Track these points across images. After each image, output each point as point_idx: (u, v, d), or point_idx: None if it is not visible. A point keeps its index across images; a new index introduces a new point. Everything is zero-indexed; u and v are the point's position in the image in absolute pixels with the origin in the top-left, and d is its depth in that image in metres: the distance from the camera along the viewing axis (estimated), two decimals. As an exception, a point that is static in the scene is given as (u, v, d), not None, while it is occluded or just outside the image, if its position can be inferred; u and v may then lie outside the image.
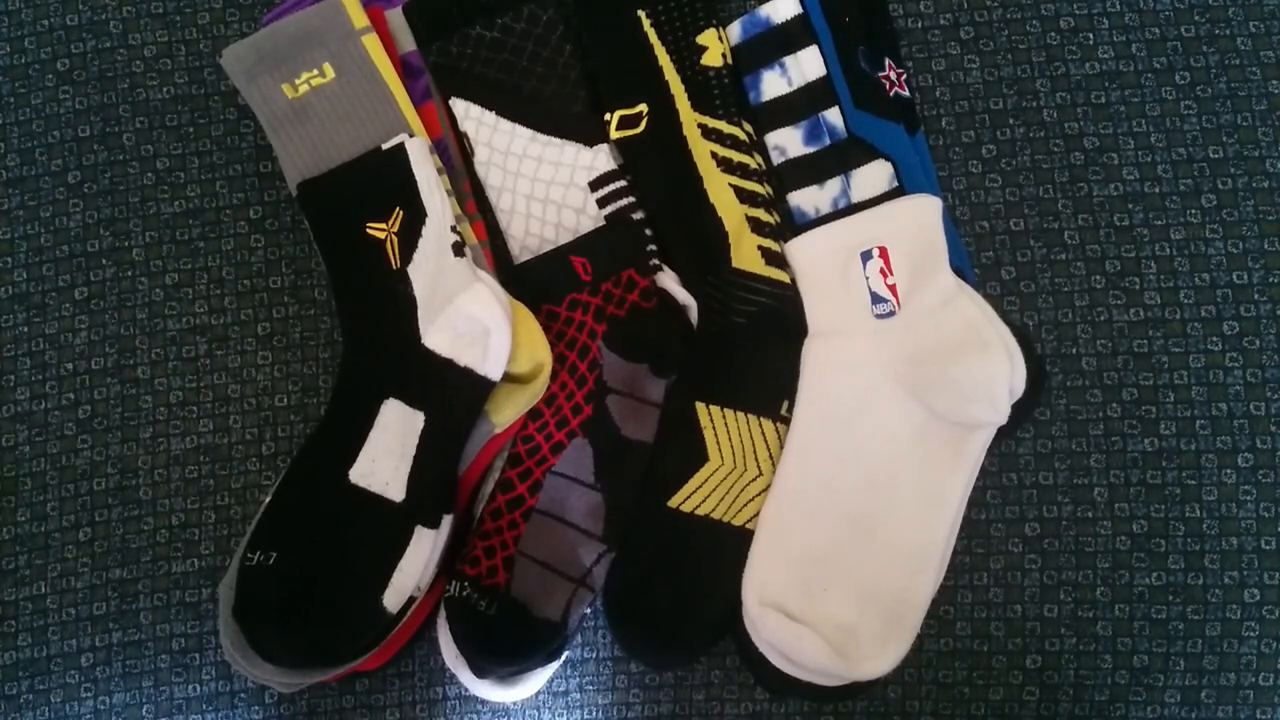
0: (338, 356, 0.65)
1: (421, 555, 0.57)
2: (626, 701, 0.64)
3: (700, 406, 0.61)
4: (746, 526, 0.60)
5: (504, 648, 0.58)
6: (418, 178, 0.59)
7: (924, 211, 0.59)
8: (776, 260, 0.62)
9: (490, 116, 0.63)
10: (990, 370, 0.57)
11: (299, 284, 0.67)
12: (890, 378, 0.60)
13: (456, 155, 0.65)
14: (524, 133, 0.63)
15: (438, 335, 0.59)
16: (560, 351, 0.61)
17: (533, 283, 0.62)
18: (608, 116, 0.63)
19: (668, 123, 0.63)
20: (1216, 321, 0.64)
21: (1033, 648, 0.63)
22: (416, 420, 0.58)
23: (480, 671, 0.58)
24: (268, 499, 0.59)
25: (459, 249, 0.59)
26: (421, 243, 0.59)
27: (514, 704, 0.64)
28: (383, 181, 0.59)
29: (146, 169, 0.68)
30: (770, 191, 0.64)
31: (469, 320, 0.58)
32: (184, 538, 0.65)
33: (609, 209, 0.63)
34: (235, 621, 0.56)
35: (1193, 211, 0.64)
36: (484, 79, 0.63)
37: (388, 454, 0.58)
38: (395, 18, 0.64)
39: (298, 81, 0.61)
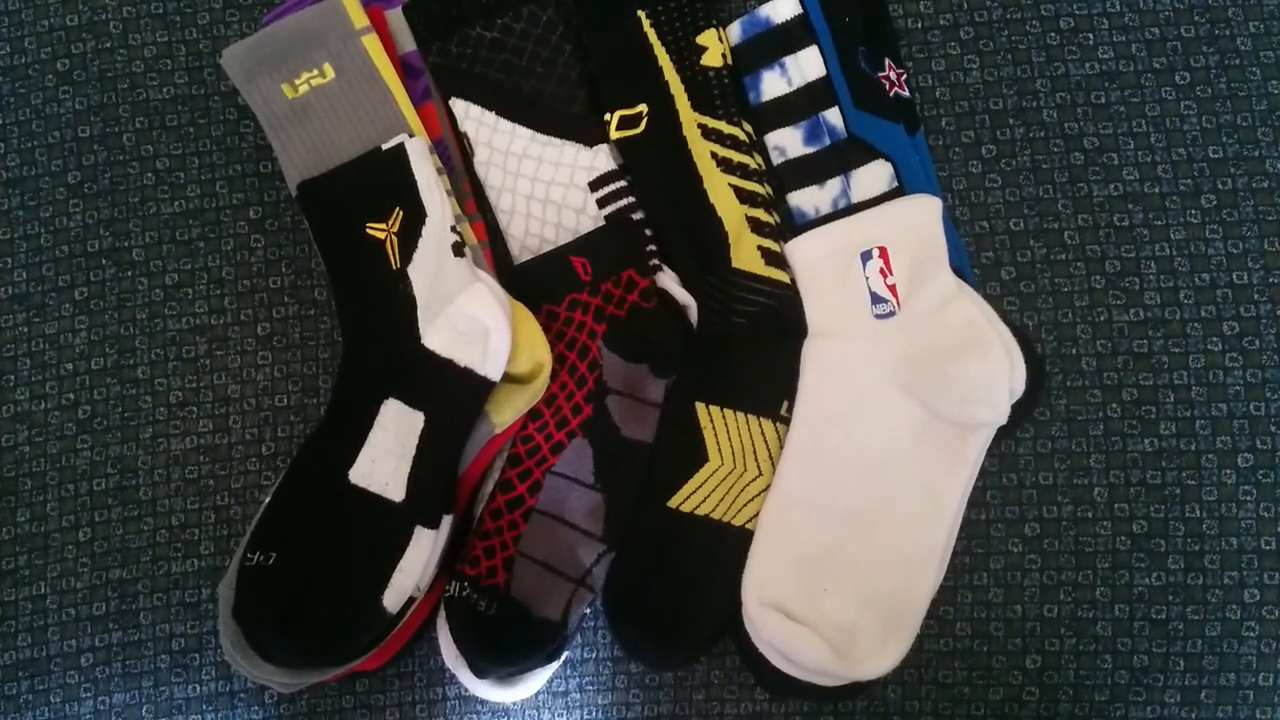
0: (338, 356, 0.65)
1: (421, 555, 0.57)
2: (626, 702, 0.64)
3: (700, 407, 0.61)
4: (746, 527, 0.60)
5: (504, 648, 0.58)
6: (417, 178, 0.59)
7: (924, 212, 0.59)
8: (776, 260, 0.62)
9: (490, 116, 0.63)
10: (990, 370, 0.57)
11: (299, 284, 0.67)
12: (890, 378, 0.60)
13: (456, 155, 0.65)
14: (524, 133, 0.63)
15: (437, 335, 0.59)
16: (560, 352, 0.61)
17: (533, 283, 0.62)
18: (608, 117, 0.63)
19: (668, 123, 0.63)
20: (1216, 321, 0.64)
21: (1033, 648, 0.63)
22: (416, 420, 0.58)
23: (480, 672, 0.58)
24: (267, 499, 0.59)
25: (459, 249, 0.59)
26: (421, 243, 0.59)
27: (514, 704, 0.64)
28: (383, 182, 0.59)
29: (146, 169, 0.68)
30: (770, 192, 0.64)
31: (469, 320, 0.58)
32: (184, 538, 0.65)
33: (609, 209, 0.63)
34: (235, 622, 0.56)
35: (1193, 211, 0.64)
36: (484, 79, 0.63)
37: (388, 454, 0.58)
38: (395, 18, 0.64)
39: (298, 82, 0.61)
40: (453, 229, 0.59)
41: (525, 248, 0.64)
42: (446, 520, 0.58)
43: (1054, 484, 0.63)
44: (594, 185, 0.63)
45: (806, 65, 0.63)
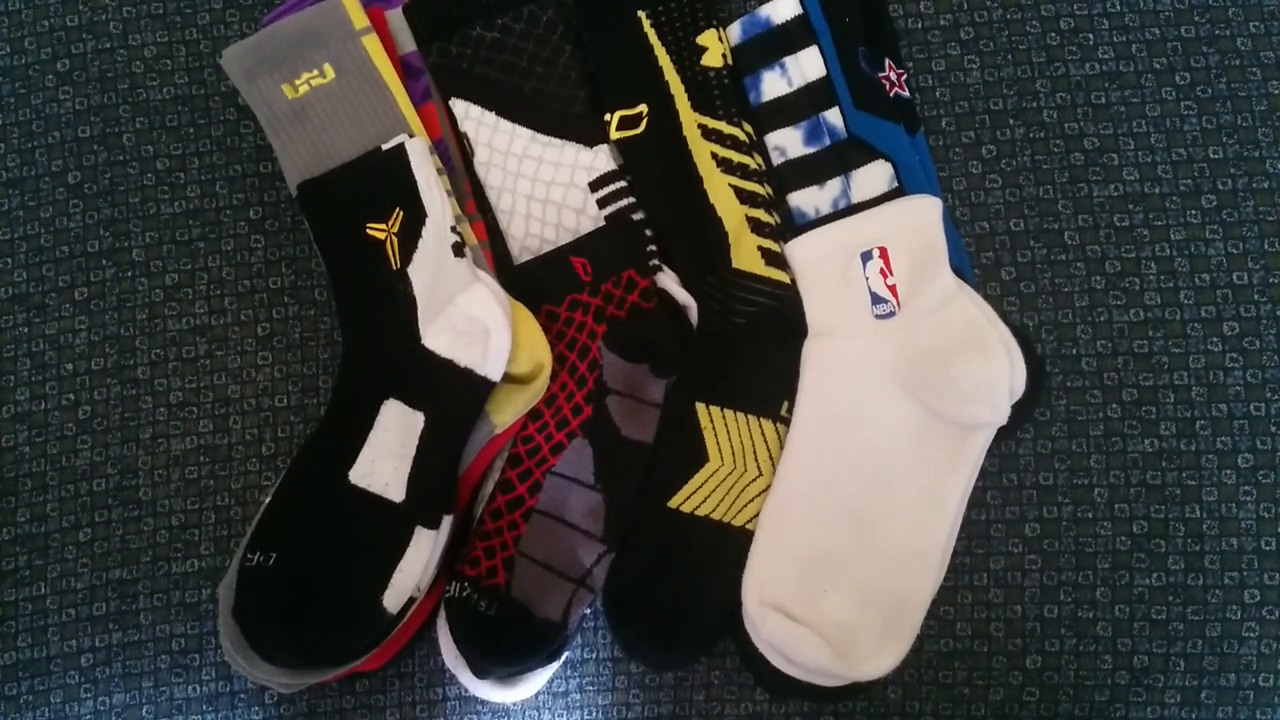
0: (338, 357, 0.65)
1: (421, 556, 0.57)
2: (626, 702, 0.64)
3: (700, 407, 0.61)
4: (746, 527, 0.60)
5: (504, 648, 0.58)
6: (418, 178, 0.59)
7: (924, 212, 0.59)
8: (776, 261, 0.62)
9: (490, 117, 0.63)
10: (990, 371, 0.57)
11: (299, 284, 0.67)
12: (890, 378, 0.60)
13: (456, 155, 0.65)
14: (524, 133, 0.63)
15: (437, 336, 0.59)
16: (560, 352, 0.61)
17: (533, 283, 0.62)
18: (608, 117, 0.63)
19: (668, 123, 0.63)
20: (1216, 322, 0.63)
21: (1033, 648, 0.62)
22: (416, 420, 0.58)
23: (480, 672, 0.58)
24: (268, 499, 0.59)
25: (459, 249, 0.59)
26: (421, 243, 0.59)
27: (514, 705, 0.64)
28: (383, 182, 0.59)
29: (146, 170, 0.68)
30: (770, 192, 0.64)
31: (469, 320, 0.58)
32: (184, 538, 0.65)
33: (609, 209, 0.63)
34: (235, 622, 0.56)
35: (1193, 212, 0.64)
36: (484, 79, 0.63)
37: (388, 454, 0.58)
38: (395, 18, 0.64)
39: (298, 82, 0.61)
40: (453, 229, 0.59)
41: (525, 248, 0.64)
42: (446, 520, 0.58)
43: (1054, 484, 0.63)
44: (594, 185, 0.63)
45: (806, 65, 0.63)
